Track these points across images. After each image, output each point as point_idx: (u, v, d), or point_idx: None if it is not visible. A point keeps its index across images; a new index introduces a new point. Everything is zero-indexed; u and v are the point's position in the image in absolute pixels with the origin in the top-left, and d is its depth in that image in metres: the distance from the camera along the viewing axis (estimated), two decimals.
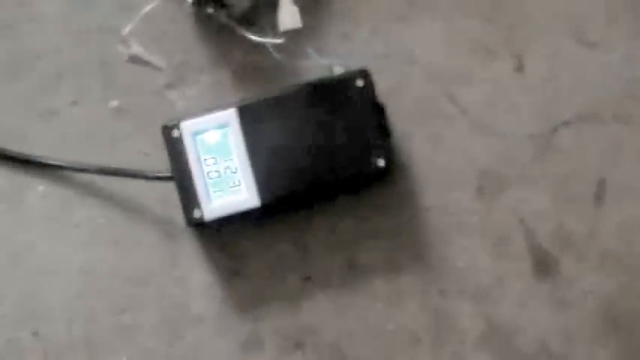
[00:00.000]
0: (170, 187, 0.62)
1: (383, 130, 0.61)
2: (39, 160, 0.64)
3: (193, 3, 0.64)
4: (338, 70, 0.64)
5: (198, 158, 0.60)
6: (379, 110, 0.62)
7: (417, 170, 0.66)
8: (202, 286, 0.65)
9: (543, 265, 0.64)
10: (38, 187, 0.65)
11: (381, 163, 0.61)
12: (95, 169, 0.63)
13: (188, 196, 0.60)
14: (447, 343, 0.63)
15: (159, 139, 0.62)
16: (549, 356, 0.63)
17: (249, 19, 0.65)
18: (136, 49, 0.66)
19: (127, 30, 0.66)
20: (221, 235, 0.65)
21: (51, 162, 0.64)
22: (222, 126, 0.60)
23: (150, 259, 0.65)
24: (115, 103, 0.66)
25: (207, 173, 0.60)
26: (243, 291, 0.65)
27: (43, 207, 0.65)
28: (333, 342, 0.64)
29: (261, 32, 0.65)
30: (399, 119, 0.65)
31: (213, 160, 0.60)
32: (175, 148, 0.60)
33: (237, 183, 0.60)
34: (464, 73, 0.66)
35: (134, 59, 0.66)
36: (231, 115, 0.61)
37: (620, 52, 0.67)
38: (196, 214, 0.60)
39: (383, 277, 0.64)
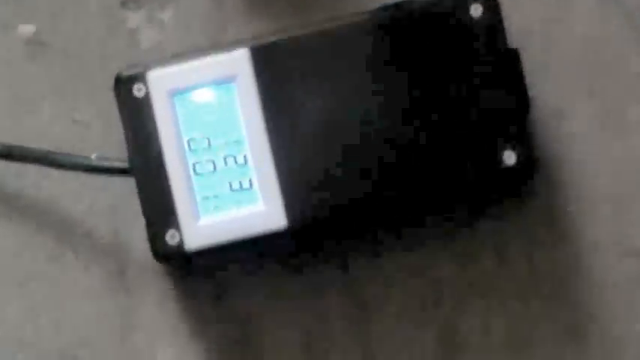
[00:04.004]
0: (125, 187, 0.49)
1: (516, 98, 0.47)
2: None
3: None
4: None
5: (179, 136, 0.48)
6: (510, 61, 0.47)
7: (574, 176, 0.51)
8: None
9: None
10: None
11: (511, 159, 0.47)
12: None
13: (156, 207, 0.48)
14: None
15: (108, 99, 0.49)
16: None
17: None
18: None
19: None
20: (213, 278, 0.52)
21: None
22: (222, 81, 0.48)
23: (85, 315, 0.53)
24: (29, 28, 0.53)
25: (194, 165, 0.48)
26: None
27: None
28: None
29: None
30: (544, 84, 0.51)
31: (206, 140, 0.48)
32: (137, 117, 0.48)
33: (246, 185, 0.47)
34: None
35: None
36: (239, 60, 0.48)
37: None
38: (171, 238, 0.48)
39: None
